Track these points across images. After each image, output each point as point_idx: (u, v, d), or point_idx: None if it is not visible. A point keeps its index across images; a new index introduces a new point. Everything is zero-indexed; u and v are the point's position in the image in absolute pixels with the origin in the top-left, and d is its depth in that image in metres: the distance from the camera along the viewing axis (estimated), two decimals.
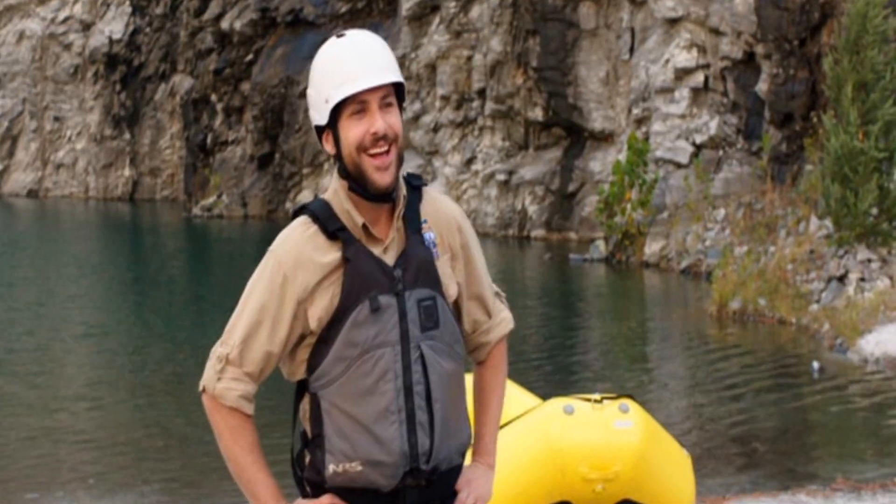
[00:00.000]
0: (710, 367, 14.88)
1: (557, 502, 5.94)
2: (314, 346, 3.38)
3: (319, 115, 3.39)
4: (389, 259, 3.38)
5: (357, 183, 3.37)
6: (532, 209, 30.43)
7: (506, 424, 5.93)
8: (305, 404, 3.42)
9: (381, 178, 3.34)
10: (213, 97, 38.91)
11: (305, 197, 36.12)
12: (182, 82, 44.74)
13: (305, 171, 36.15)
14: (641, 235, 24.85)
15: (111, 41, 46.89)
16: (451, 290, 3.48)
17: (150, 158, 46.63)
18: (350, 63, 3.34)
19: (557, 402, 6.05)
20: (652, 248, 24.47)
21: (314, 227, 3.39)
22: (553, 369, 13.74)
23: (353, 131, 3.33)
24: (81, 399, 13.24)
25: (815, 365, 14.53)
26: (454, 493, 3.50)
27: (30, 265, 26.20)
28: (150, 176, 46.69)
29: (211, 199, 38.09)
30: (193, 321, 18.79)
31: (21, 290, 21.86)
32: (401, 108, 3.42)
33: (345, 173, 3.38)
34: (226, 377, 3.41)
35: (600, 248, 25.52)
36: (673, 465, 6.20)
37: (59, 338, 17.15)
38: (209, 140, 38.81)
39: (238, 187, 37.67)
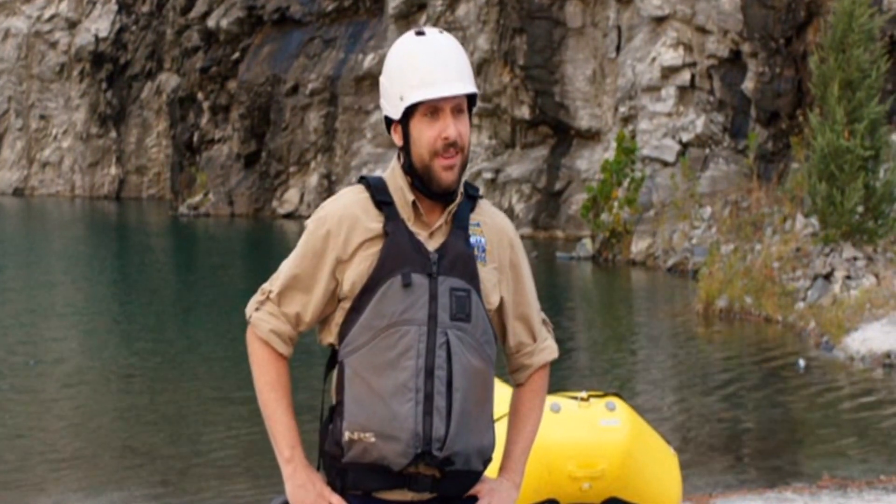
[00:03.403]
0: (696, 365, 14.90)
1: (544, 500, 5.94)
2: (347, 313, 3.45)
3: (393, 109, 3.48)
4: (431, 246, 3.45)
5: (421, 180, 3.46)
6: (519, 207, 30.45)
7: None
8: (333, 375, 3.49)
9: (447, 177, 3.43)
10: (200, 95, 38.85)
11: (292, 195, 36.10)
12: (168, 80, 44.68)
13: (292, 169, 36.11)
14: (628, 234, 24.89)
15: (97, 39, 46.81)
16: (493, 297, 3.53)
17: (136, 157, 46.57)
18: (429, 66, 3.43)
19: None
20: (638, 246, 24.50)
21: (365, 194, 3.50)
22: None
23: (426, 134, 3.43)
24: (67, 398, 13.22)
25: (801, 363, 14.56)
26: (474, 500, 3.51)
27: (15, 264, 26.14)
28: (136, 174, 46.63)
29: (197, 198, 38.05)
30: (180, 320, 18.77)
31: (6, 290, 21.80)
32: (470, 116, 3.51)
33: (410, 169, 3.47)
34: (263, 310, 3.53)
35: (587, 246, 25.55)
36: (659, 463, 6.21)
37: (45, 336, 17.10)
38: (196, 138, 38.76)
39: (224, 186, 37.63)
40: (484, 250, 3.51)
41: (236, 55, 38.03)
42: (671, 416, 12.14)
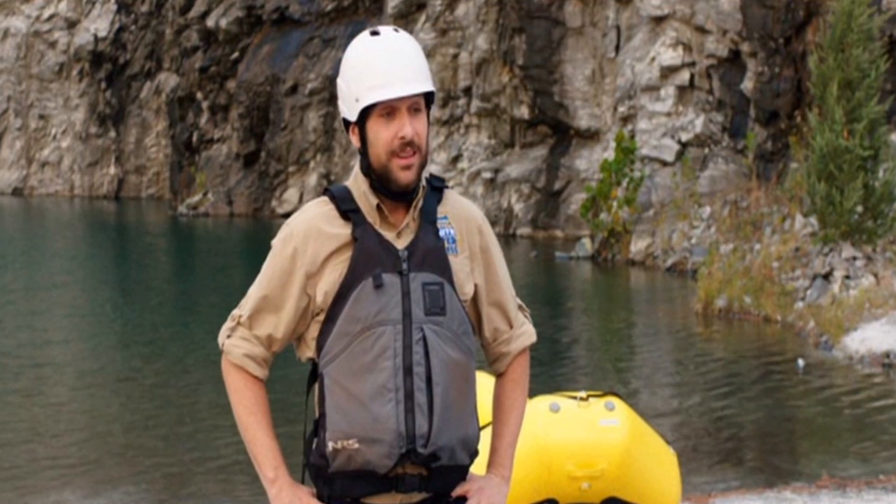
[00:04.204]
0: (695, 365, 14.90)
1: (543, 500, 5.94)
2: (322, 324, 3.43)
3: (349, 110, 3.48)
4: (400, 245, 3.44)
5: (380, 181, 3.45)
6: (518, 207, 30.44)
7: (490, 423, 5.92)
8: (315, 388, 3.47)
9: (405, 176, 3.42)
10: (199, 95, 38.84)
11: (291, 195, 36.10)
12: (167, 80, 44.66)
13: (291, 169, 36.10)
14: (627, 233, 24.89)
15: (96, 39, 46.79)
16: (467, 287, 3.51)
17: (135, 156, 46.54)
18: (383, 67, 3.41)
19: (543, 400, 6.05)
20: (638, 245, 24.50)
21: (330, 206, 3.49)
22: (539, 367, 13.75)
23: (382, 134, 3.41)
24: (66, 397, 13.22)
25: (801, 362, 14.57)
26: (463, 500, 3.49)
27: (14, 265, 26.13)
28: (135, 174, 46.60)
29: (196, 198, 38.04)
30: (179, 319, 18.77)
31: (6, 292, 21.79)
32: (428, 114, 3.49)
33: (368, 171, 3.47)
34: (235, 335, 3.52)
35: (586, 246, 25.55)
36: (659, 463, 6.21)
37: (43, 337, 17.10)
38: (195, 138, 38.75)
39: (224, 185, 37.62)
40: (454, 241, 3.50)
41: (235, 55, 38.01)
42: (670, 416, 12.14)
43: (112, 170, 46.80)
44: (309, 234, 3.45)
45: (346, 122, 3.51)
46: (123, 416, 12.37)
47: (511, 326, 3.64)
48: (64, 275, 23.99)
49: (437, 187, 3.54)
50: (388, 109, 3.41)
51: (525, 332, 3.66)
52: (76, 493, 9.67)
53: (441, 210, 3.52)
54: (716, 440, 11.29)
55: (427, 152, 3.47)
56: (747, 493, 9.00)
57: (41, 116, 48.00)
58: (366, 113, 3.43)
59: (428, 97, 3.48)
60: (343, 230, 3.44)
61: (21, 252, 28.66)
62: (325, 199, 3.51)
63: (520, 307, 3.69)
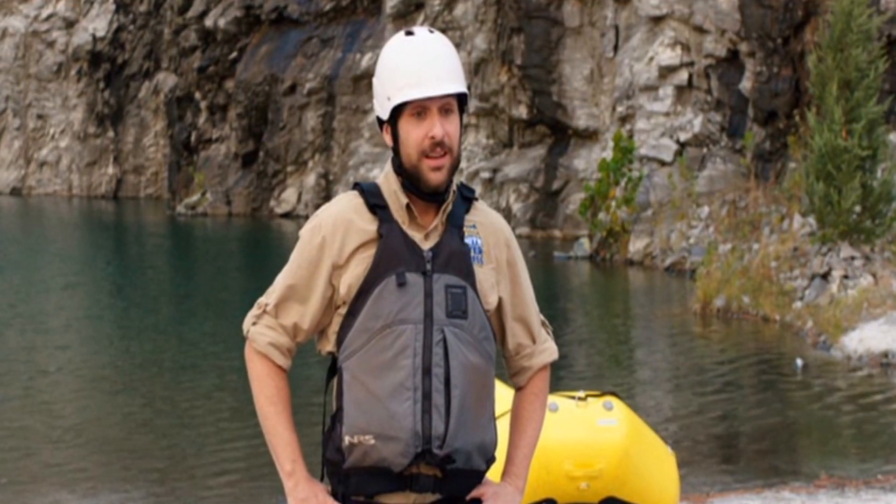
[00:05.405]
0: (694, 365, 14.91)
1: (542, 500, 5.95)
2: (344, 317, 3.45)
3: (381, 109, 3.50)
4: (426, 246, 3.45)
5: (410, 180, 3.46)
6: (516, 207, 30.45)
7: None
8: (334, 382, 3.48)
9: (435, 177, 3.43)
10: (197, 95, 38.83)
11: (289, 195, 36.09)
12: (166, 80, 44.66)
13: (290, 168, 36.10)
14: (626, 233, 24.89)
15: (95, 39, 46.79)
16: (491, 297, 3.52)
17: (133, 156, 46.54)
18: (414, 67, 3.43)
19: None
20: (636, 245, 24.50)
21: (360, 199, 3.50)
22: None
23: (413, 134, 3.44)
24: (65, 398, 13.21)
25: (799, 362, 14.57)
26: (478, 502, 3.50)
27: (13, 266, 26.11)
28: (133, 174, 46.60)
29: (195, 198, 38.03)
30: (178, 320, 18.75)
31: (5, 293, 21.78)
32: (461, 116, 3.50)
33: (399, 170, 3.48)
34: (261, 323, 3.53)
35: (584, 245, 25.55)
36: (657, 463, 6.21)
37: (43, 337, 17.10)
38: (193, 138, 38.75)
39: (222, 185, 37.61)
40: (480, 251, 3.51)
41: (234, 55, 38.00)
42: (668, 416, 12.14)
43: (110, 169, 46.80)
44: (338, 225, 3.46)
45: (380, 121, 3.53)
46: (119, 417, 12.36)
47: (534, 341, 3.65)
48: (62, 276, 23.98)
49: (467, 197, 3.55)
50: (419, 109, 3.43)
51: (548, 349, 3.68)
52: (75, 494, 9.67)
53: (469, 219, 3.53)
54: (714, 440, 11.29)
55: (459, 154, 3.48)
56: (745, 492, 9.00)
57: (39, 116, 48.00)
58: (398, 112, 3.44)
59: (461, 99, 3.49)
60: (371, 225, 3.46)
61: (20, 252, 28.64)
62: (355, 192, 3.53)
63: (543, 323, 3.69)
